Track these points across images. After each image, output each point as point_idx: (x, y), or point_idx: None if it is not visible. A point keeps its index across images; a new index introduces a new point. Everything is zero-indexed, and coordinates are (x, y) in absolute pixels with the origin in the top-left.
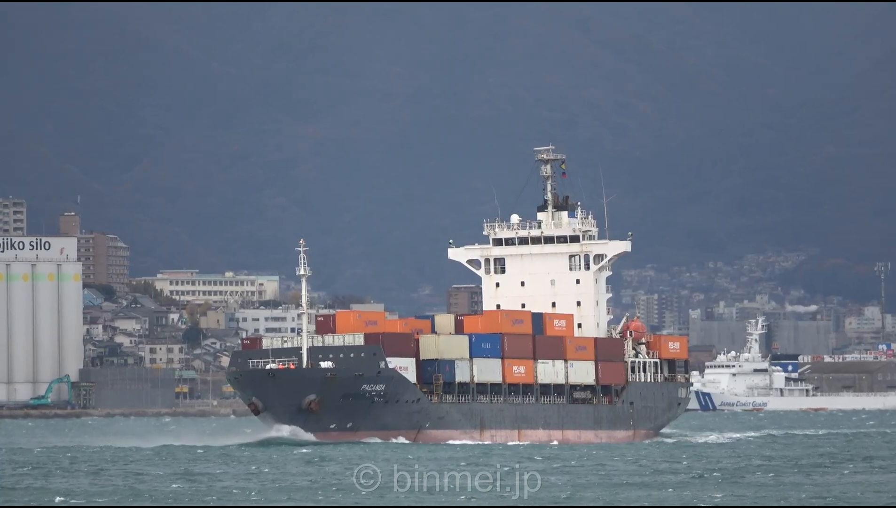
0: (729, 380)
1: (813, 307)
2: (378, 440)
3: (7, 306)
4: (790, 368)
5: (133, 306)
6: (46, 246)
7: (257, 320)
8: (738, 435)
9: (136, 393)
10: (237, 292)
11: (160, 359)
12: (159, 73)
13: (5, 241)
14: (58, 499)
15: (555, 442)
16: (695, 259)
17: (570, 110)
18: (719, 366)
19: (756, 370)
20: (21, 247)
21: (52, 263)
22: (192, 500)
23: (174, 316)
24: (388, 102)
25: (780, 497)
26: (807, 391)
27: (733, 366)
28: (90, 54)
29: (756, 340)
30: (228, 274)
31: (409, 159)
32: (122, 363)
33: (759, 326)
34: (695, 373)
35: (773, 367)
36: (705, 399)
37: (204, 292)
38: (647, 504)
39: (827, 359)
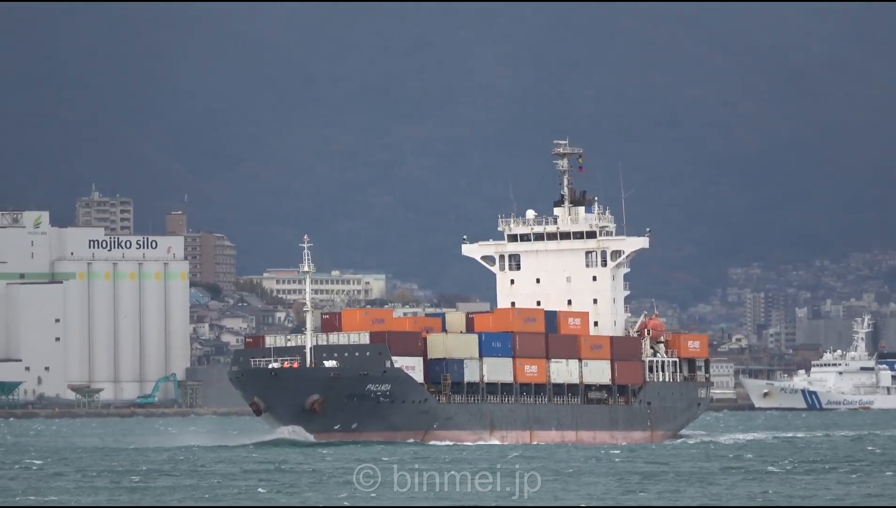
0: (835, 379)
1: None
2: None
3: (114, 305)
4: None
5: (239, 304)
6: (153, 245)
7: None
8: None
9: None
10: (343, 290)
11: None
12: (266, 73)
13: (112, 240)
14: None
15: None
16: (801, 258)
17: (674, 109)
18: (825, 365)
19: (863, 369)
20: (128, 246)
21: (159, 262)
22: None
23: (280, 315)
24: (494, 101)
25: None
26: None
27: (840, 364)
28: (196, 54)
29: (862, 338)
30: (335, 273)
31: (515, 158)
32: (229, 362)
33: (866, 324)
34: (801, 372)
35: (880, 365)
36: (812, 398)
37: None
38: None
39: None
